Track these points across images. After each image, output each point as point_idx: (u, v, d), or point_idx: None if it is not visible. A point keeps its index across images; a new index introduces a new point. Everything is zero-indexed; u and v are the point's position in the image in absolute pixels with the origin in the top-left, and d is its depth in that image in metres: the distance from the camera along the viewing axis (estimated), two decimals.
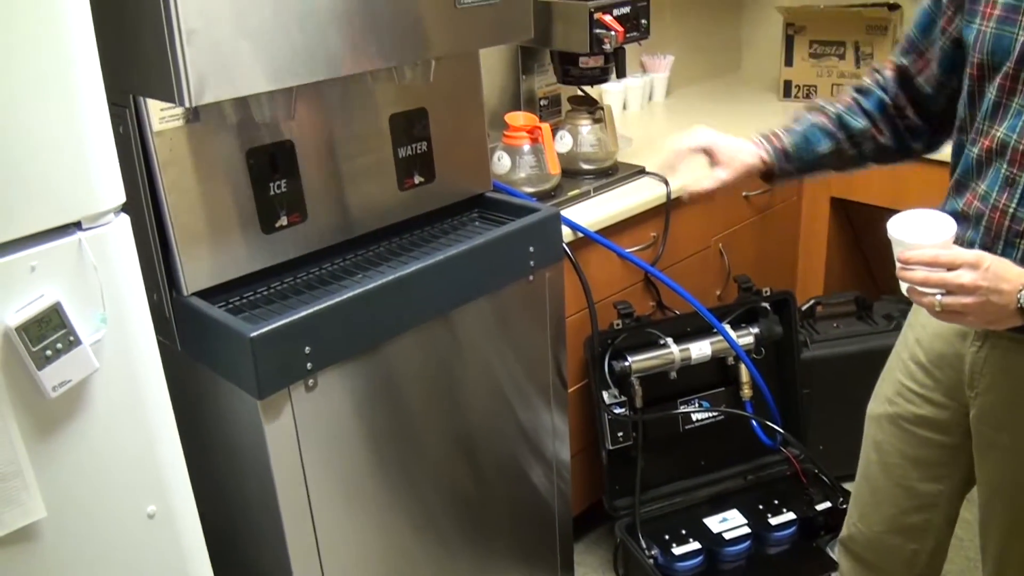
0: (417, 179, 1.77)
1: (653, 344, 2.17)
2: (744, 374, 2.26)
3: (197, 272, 1.48)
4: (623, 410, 2.11)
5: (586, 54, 2.06)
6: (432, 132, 1.76)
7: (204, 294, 1.49)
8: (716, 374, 2.29)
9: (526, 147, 2.05)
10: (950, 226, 1.23)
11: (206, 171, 1.46)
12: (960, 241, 1.28)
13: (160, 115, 1.39)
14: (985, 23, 1.26)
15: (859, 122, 1.50)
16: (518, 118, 2.07)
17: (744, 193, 2.52)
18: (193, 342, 1.49)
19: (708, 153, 1.58)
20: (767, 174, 1.57)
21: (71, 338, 1.14)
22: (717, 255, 2.51)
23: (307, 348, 1.39)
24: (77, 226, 1.13)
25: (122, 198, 1.17)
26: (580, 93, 2.28)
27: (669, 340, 2.16)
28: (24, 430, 1.14)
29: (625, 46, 2.07)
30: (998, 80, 1.25)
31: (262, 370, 1.35)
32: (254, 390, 1.36)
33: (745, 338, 2.23)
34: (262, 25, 1.28)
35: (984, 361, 1.36)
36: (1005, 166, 1.26)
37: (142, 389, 1.24)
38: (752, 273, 2.45)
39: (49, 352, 1.12)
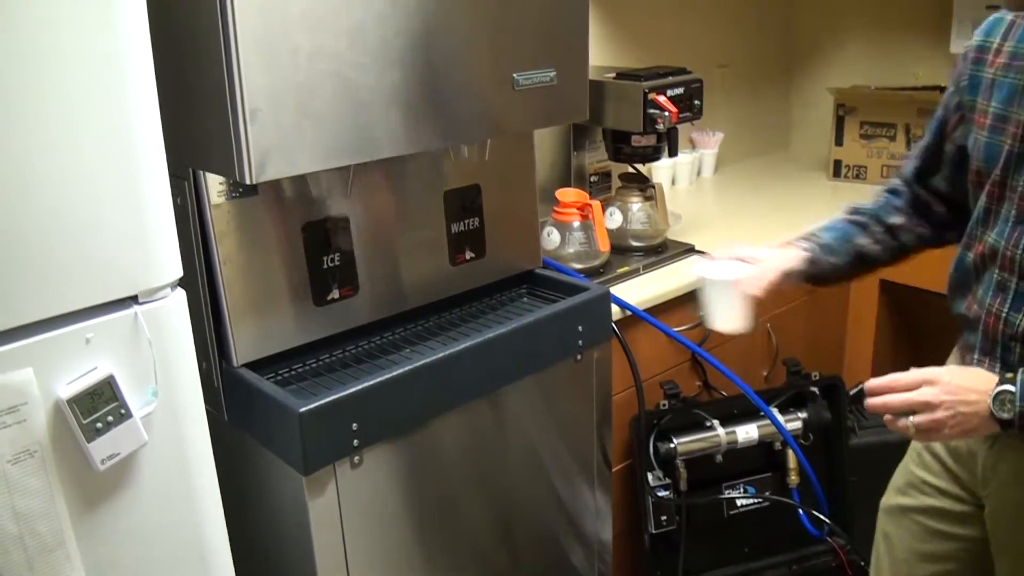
0: (468, 254, 1.77)
1: (699, 426, 2.13)
2: (791, 460, 2.21)
3: (248, 343, 1.48)
4: (667, 493, 2.06)
5: (639, 133, 2.06)
6: (485, 208, 1.76)
7: (253, 365, 1.49)
8: (762, 459, 2.24)
9: (576, 223, 2.05)
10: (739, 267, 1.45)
11: (261, 244, 1.47)
12: (965, 344, 1.35)
13: (218, 188, 1.41)
14: (980, 132, 1.29)
15: (895, 217, 1.51)
16: (569, 194, 2.08)
17: None
18: (240, 413, 1.48)
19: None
20: (813, 275, 1.52)
21: (122, 411, 1.14)
22: (765, 336, 2.47)
23: (354, 425, 1.38)
24: (134, 299, 1.14)
25: (179, 273, 1.17)
26: (631, 170, 2.28)
27: (716, 422, 2.12)
28: (70, 501, 1.13)
29: (678, 126, 2.07)
30: (987, 187, 1.28)
31: (309, 446, 1.34)
32: (300, 466, 1.35)
33: (793, 423, 2.19)
34: (324, 106, 1.29)
35: (996, 461, 1.34)
36: (997, 271, 1.28)
37: (190, 464, 1.23)
38: (800, 355, 2.41)
39: (99, 425, 1.12)
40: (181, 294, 1.19)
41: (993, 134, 1.27)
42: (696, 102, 2.11)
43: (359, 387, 1.38)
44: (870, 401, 1.24)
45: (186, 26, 1.26)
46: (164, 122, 1.13)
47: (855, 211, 1.55)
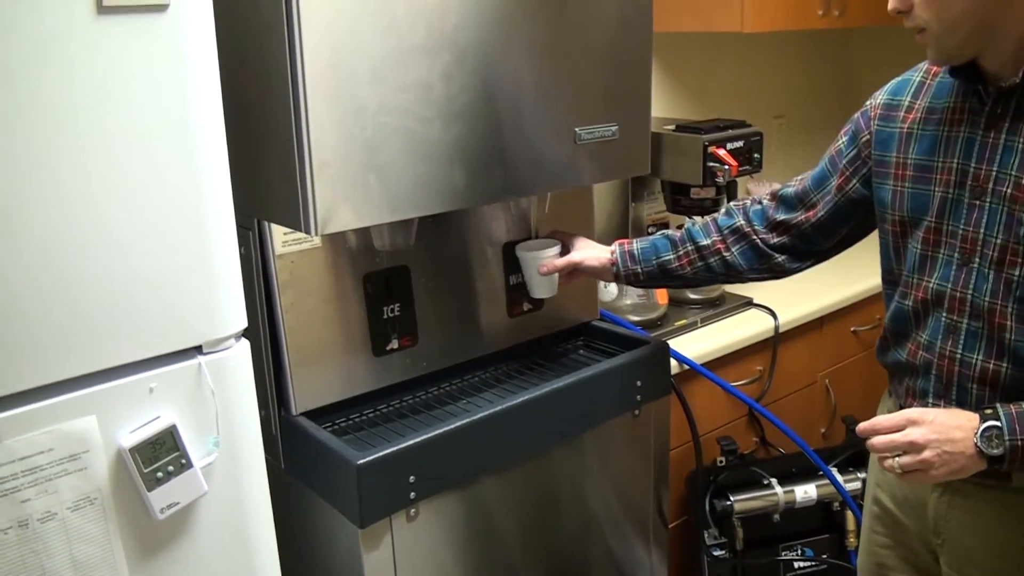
0: (526, 306, 1.76)
1: (756, 484, 2.09)
2: (850, 522, 2.15)
3: (307, 392, 1.48)
4: (723, 552, 2.02)
5: (698, 185, 2.05)
6: None
7: (312, 414, 1.49)
8: (820, 519, 2.18)
9: None
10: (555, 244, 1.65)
11: (323, 294, 1.48)
12: (912, 391, 1.37)
13: (283, 238, 1.42)
14: (899, 183, 1.34)
15: (706, 238, 1.58)
16: None
17: (852, 328, 2.45)
18: (297, 462, 1.48)
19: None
20: (622, 276, 1.64)
21: (183, 461, 1.14)
22: (823, 391, 2.43)
23: (412, 477, 1.38)
24: (198, 350, 1.15)
25: (244, 324, 1.18)
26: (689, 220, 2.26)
27: (773, 481, 2.08)
28: (128, 549, 1.13)
29: (737, 179, 2.06)
30: (920, 234, 1.32)
31: (366, 498, 1.33)
32: (356, 518, 1.34)
33: (852, 483, 2.13)
34: (389, 159, 1.30)
35: (947, 509, 1.34)
36: (945, 314, 1.30)
37: (248, 514, 1.23)
38: (859, 412, 2.36)
39: (160, 474, 1.13)
40: (245, 345, 1.19)
41: (918, 183, 1.32)
42: (756, 155, 2.09)
43: (417, 439, 1.38)
44: (873, 443, 1.23)
45: (257, 81, 1.29)
46: (231, 173, 1.15)
47: (680, 227, 1.65)
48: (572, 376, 1.58)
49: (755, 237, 1.54)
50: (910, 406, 1.38)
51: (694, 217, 2.22)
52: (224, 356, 1.17)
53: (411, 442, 1.37)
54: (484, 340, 1.71)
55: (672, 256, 1.60)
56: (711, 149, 1.99)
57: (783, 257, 1.54)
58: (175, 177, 1.07)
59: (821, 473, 2.10)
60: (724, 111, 2.56)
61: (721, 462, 2.06)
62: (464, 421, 1.43)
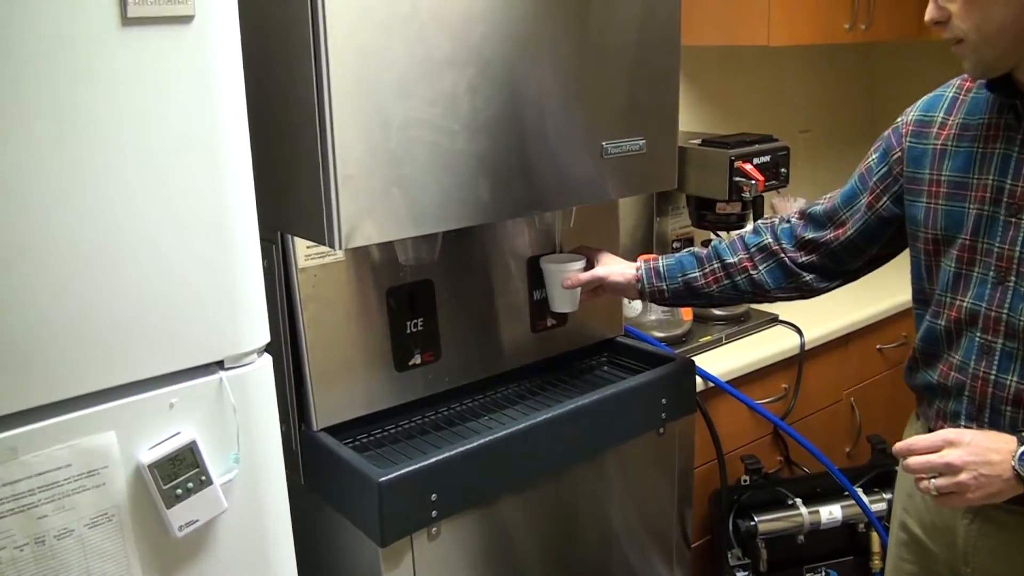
0: (550, 322, 1.74)
1: (781, 504, 2.05)
2: (875, 543, 2.11)
3: (328, 407, 1.46)
4: (747, 573, 1.98)
5: (724, 200, 2.03)
6: None
7: (333, 429, 1.47)
8: (845, 541, 2.14)
9: None
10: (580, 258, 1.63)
11: (346, 308, 1.46)
12: (943, 413, 1.34)
13: (306, 252, 1.41)
14: (933, 201, 1.31)
15: (733, 255, 1.55)
16: None
17: (878, 346, 2.41)
18: (318, 478, 1.46)
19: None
20: (647, 294, 1.60)
21: (203, 478, 1.12)
22: (848, 410, 2.39)
23: (434, 496, 1.35)
24: (219, 365, 1.13)
25: (266, 338, 1.17)
26: (713, 237, 2.24)
27: (798, 501, 2.04)
28: (145, 567, 1.12)
29: (763, 193, 2.03)
30: (954, 252, 1.29)
31: (388, 516, 1.31)
32: (377, 536, 1.32)
33: (878, 504, 2.09)
34: (414, 172, 1.29)
35: (977, 537, 1.31)
36: (979, 334, 1.27)
37: (267, 532, 1.21)
38: (884, 431, 2.32)
39: (179, 491, 1.11)
40: (267, 360, 1.18)
41: (952, 201, 1.29)
42: (783, 170, 2.07)
43: (440, 457, 1.35)
44: (909, 463, 1.20)
45: (282, 92, 1.27)
46: (255, 186, 1.14)
47: (710, 242, 1.61)
48: (596, 393, 1.56)
49: (783, 255, 1.51)
50: (941, 428, 1.35)
51: (720, 234, 2.21)
52: (246, 372, 1.15)
53: (434, 460, 1.35)
54: (507, 356, 1.69)
55: (698, 273, 1.57)
56: (737, 164, 1.96)
57: (811, 276, 1.51)
58: (199, 190, 1.06)
59: (846, 493, 2.06)
60: (748, 125, 2.53)
61: (745, 481, 2.03)
62: (487, 439, 1.41)
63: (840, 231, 1.46)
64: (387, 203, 1.27)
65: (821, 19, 2.32)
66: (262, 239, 1.21)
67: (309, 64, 1.20)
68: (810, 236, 1.49)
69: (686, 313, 2.03)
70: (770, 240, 1.53)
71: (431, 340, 1.56)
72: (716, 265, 1.56)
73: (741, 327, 2.14)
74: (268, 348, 1.19)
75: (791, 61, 2.89)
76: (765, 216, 2.13)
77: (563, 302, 1.65)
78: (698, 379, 1.88)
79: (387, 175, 1.26)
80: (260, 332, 1.15)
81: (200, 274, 1.08)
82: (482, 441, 1.40)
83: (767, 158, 2.02)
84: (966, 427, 1.29)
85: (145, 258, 1.03)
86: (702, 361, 1.96)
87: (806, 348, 2.13)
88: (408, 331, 1.53)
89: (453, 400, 1.64)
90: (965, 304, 1.28)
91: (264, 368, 1.17)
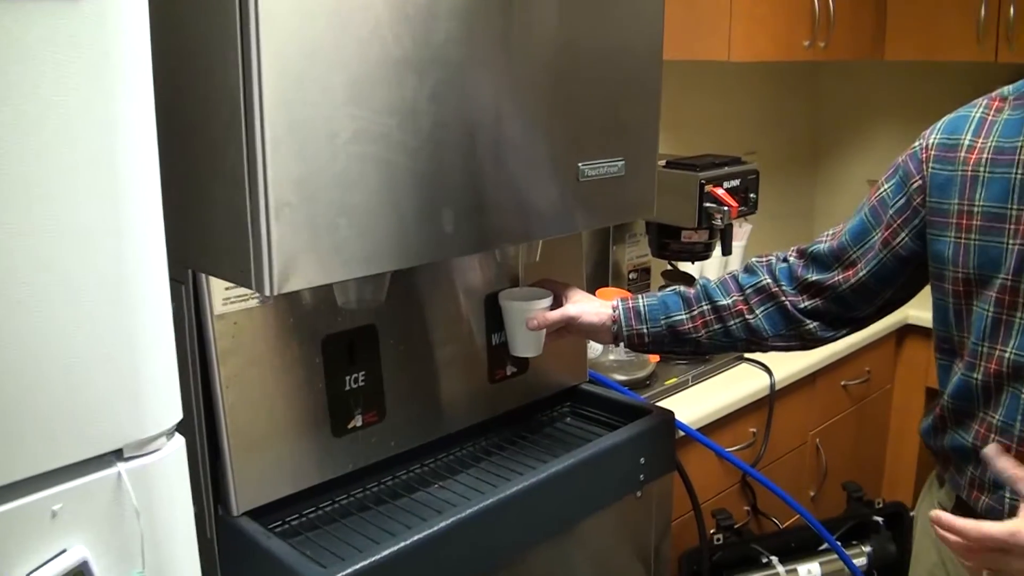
0: (509, 370, 1.50)
1: (755, 562, 1.86)
2: None
3: (251, 486, 1.20)
4: None
5: (691, 228, 1.83)
6: None
7: (257, 512, 1.20)
8: None
9: None
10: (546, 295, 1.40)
11: (272, 362, 1.20)
12: (978, 482, 1.17)
13: (223, 294, 1.14)
14: (963, 235, 1.14)
15: (725, 297, 1.35)
16: (610, 295, 1.82)
17: (843, 383, 2.26)
18: (239, 574, 1.19)
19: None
20: (625, 337, 1.39)
21: None
22: (813, 452, 2.22)
23: None
24: (116, 455, 0.85)
25: (177, 416, 0.90)
26: (670, 267, 2.04)
27: (774, 559, 1.85)
28: None
29: (733, 221, 1.84)
30: (992, 294, 1.12)
31: None
32: None
33: (859, 558, 1.92)
34: (366, 199, 1.04)
35: None
36: None
37: None
38: (850, 472, 2.17)
39: None
40: (179, 444, 0.91)
41: (988, 235, 1.12)
42: (751, 195, 1.89)
43: (394, 548, 1.10)
44: (948, 538, 1.01)
45: (200, 97, 1.01)
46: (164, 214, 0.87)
47: (695, 283, 1.41)
48: (569, 458, 1.32)
49: (783, 299, 1.31)
50: (976, 500, 1.17)
51: (680, 265, 2.02)
52: (151, 461, 0.87)
53: (387, 552, 1.09)
54: (462, 411, 1.44)
55: (684, 316, 1.36)
56: (708, 188, 1.77)
57: (814, 324, 1.31)
58: (88, 224, 0.78)
59: (823, 548, 1.88)
60: (696, 146, 2.36)
61: (718, 540, 1.83)
62: (449, 521, 1.16)
63: (850, 272, 1.27)
64: (333, 237, 1.02)
65: (782, 36, 2.17)
66: (171, 279, 0.94)
67: (235, 61, 0.94)
68: (814, 278, 1.29)
69: (651, 355, 1.82)
70: (768, 281, 1.33)
71: (374, 397, 1.31)
72: (706, 307, 1.35)
73: (708, 366, 1.95)
74: (180, 422, 0.92)
75: (735, 79, 2.73)
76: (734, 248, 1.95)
77: (526, 345, 1.42)
78: None
79: (333, 202, 1.01)
80: (169, 409, 0.88)
81: (88, 336, 0.80)
82: (444, 525, 1.15)
83: (737, 182, 1.84)
84: (1010, 501, 1.11)
85: (8, 320, 0.75)
86: (669, 406, 1.75)
87: (776, 388, 1.95)
88: (348, 387, 1.28)
89: (399, 467, 1.38)
90: (1008, 355, 1.11)
91: (175, 454, 0.90)
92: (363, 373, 1.29)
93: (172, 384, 0.89)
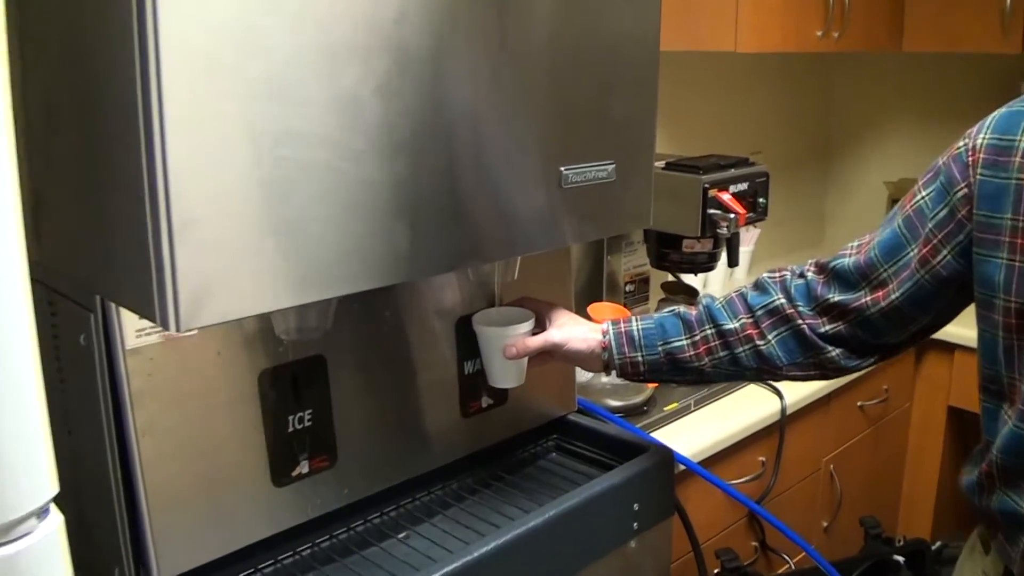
0: (485, 402, 1.32)
1: None
2: None
3: (175, 549, 1.02)
4: None
5: (694, 237, 1.65)
6: None
7: None
8: None
9: None
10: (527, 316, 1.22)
11: (197, 404, 1.02)
12: None
13: (138, 325, 0.96)
14: (1018, 257, 0.96)
15: (732, 320, 1.17)
16: (604, 311, 1.65)
17: (859, 403, 2.08)
18: None
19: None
20: (617, 366, 1.21)
21: None
22: (827, 480, 2.04)
23: None
24: None
25: (50, 491, 0.71)
26: (672, 279, 1.86)
27: None
28: None
29: (741, 230, 1.66)
30: None
31: None
32: None
33: None
34: (299, 213, 0.86)
35: None
36: None
37: None
38: (865, 504, 1.99)
39: None
40: (54, 523, 0.72)
41: None
42: (761, 200, 1.70)
43: None
44: None
45: (95, 87, 0.83)
46: (70, 229, 0.69)
47: (697, 302, 1.23)
48: (551, 508, 1.14)
49: (800, 321, 1.13)
50: None
51: (684, 277, 1.84)
52: (18, 549, 0.70)
53: None
54: (429, 451, 1.26)
55: (685, 341, 1.18)
56: (713, 193, 1.59)
57: (836, 351, 1.13)
58: None
59: None
60: (697, 146, 2.17)
61: None
62: None
63: (880, 294, 1.08)
64: (256, 260, 0.84)
65: (793, 25, 1.98)
66: (77, 305, 0.77)
67: (131, 44, 0.76)
68: (836, 299, 1.11)
69: None
70: (781, 300, 1.14)
71: (323, 439, 1.13)
72: (710, 331, 1.17)
73: (711, 389, 1.76)
74: (60, 498, 0.74)
75: (741, 73, 2.55)
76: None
77: (505, 375, 1.24)
78: None
79: (255, 218, 0.83)
80: (38, 483, 0.70)
81: None
82: None
83: (745, 185, 1.65)
84: None
85: None
86: (668, 436, 1.57)
87: (787, 412, 1.77)
88: (291, 428, 1.10)
89: (355, 517, 1.20)
90: None
91: (50, 537, 0.72)
92: (309, 412, 1.11)
93: (39, 451, 0.70)
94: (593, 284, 1.86)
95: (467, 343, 1.28)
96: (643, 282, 1.90)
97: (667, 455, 1.32)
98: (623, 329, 1.20)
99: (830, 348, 1.13)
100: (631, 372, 1.21)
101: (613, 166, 1.16)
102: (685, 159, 1.70)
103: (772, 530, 1.81)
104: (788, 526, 1.73)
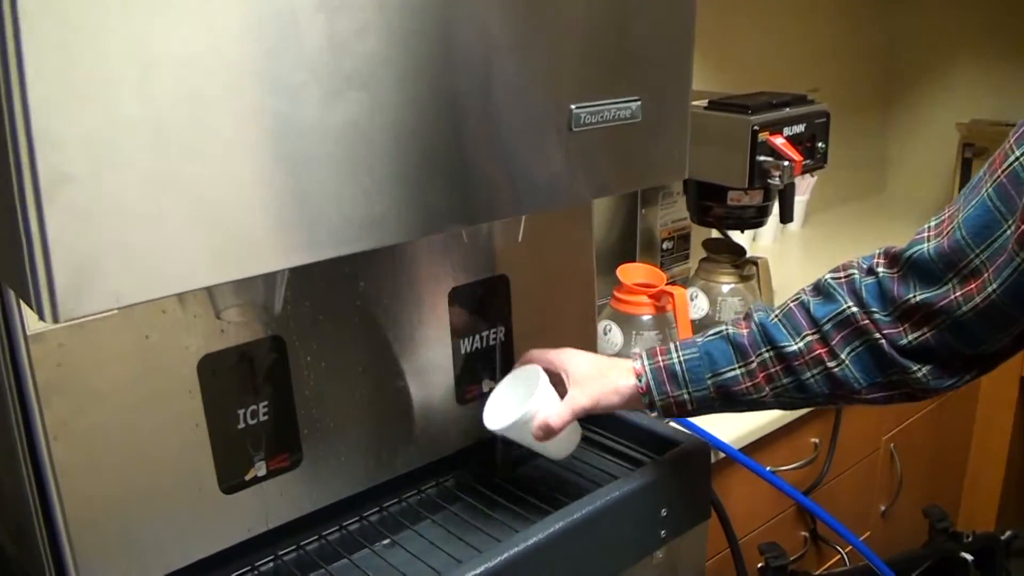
0: (486, 385, 1.13)
1: None
2: None
3: (102, 570, 0.84)
4: None
5: (741, 188, 1.42)
6: (515, 313, 1.13)
7: None
8: None
9: (646, 317, 1.41)
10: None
11: (122, 398, 0.84)
12: None
13: None
14: None
15: (795, 339, 0.93)
16: (636, 272, 1.44)
17: None
18: None
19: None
20: (659, 408, 0.99)
21: None
22: (887, 460, 1.82)
23: None
24: None
25: None
26: (718, 235, 1.64)
27: None
28: None
29: (796, 179, 1.43)
30: None
31: None
32: None
33: None
34: (214, 169, 0.66)
35: None
36: None
37: None
38: (926, 488, 1.78)
39: None
40: None
41: None
42: (820, 144, 1.47)
43: None
44: None
45: None
46: None
47: (746, 318, 0.98)
48: (556, 522, 0.94)
49: (876, 335, 0.89)
50: None
51: (731, 234, 1.61)
52: None
53: None
54: (417, 445, 1.07)
55: (739, 371, 0.95)
56: (764, 136, 1.36)
57: (924, 370, 0.89)
58: None
59: None
60: (749, 84, 1.93)
61: None
62: None
63: (972, 286, 0.84)
64: (157, 228, 0.65)
65: None
66: None
67: None
68: (919, 299, 0.86)
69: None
70: (852, 308, 0.90)
71: (284, 435, 0.95)
72: (767, 355, 0.94)
73: None
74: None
75: (793, 5, 2.28)
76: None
77: (558, 450, 1.05)
78: None
79: (153, 173, 0.64)
80: None
81: None
82: None
83: (801, 127, 1.42)
84: None
85: None
86: (707, 418, 1.36)
87: None
88: (242, 424, 0.91)
89: (329, 524, 1.02)
90: None
91: None
92: (265, 404, 0.92)
93: None
94: (626, 241, 1.64)
95: (467, 317, 1.08)
96: (683, 239, 1.68)
97: (702, 448, 1.11)
98: (661, 364, 0.98)
99: (915, 366, 0.89)
100: (678, 412, 1.00)
101: (638, 103, 0.94)
102: (731, 97, 1.46)
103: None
104: (843, 510, 1.54)
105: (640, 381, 0.98)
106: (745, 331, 0.95)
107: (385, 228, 0.77)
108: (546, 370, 1.02)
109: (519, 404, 1.00)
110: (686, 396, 0.96)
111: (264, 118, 0.67)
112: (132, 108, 0.62)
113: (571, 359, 1.02)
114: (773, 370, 0.93)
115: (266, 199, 0.69)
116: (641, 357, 0.99)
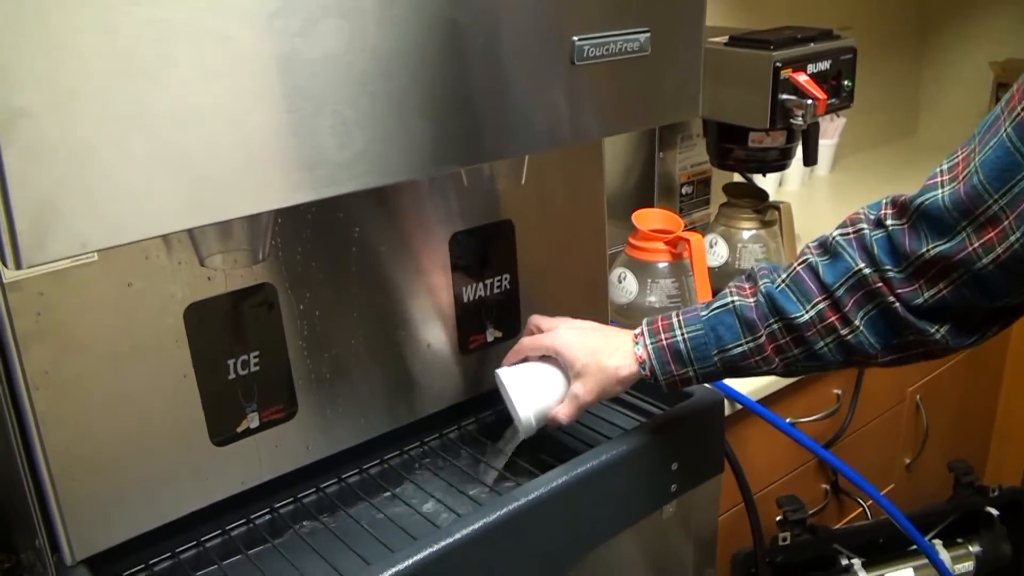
0: (491, 334, 1.09)
1: (832, 564, 1.45)
2: None
3: (91, 525, 0.83)
4: None
5: (762, 129, 1.36)
6: (520, 259, 1.08)
7: (108, 556, 0.84)
8: None
9: (663, 265, 1.36)
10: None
11: (106, 348, 0.81)
12: None
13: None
14: None
15: (805, 306, 0.86)
16: (652, 218, 1.39)
17: None
18: None
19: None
20: (655, 383, 0.94)
21: None
22: (912, 411, 1.77)
23: None
24: None
25: None
26: (739, 179, 1.58)
27: (856, 562, 1.44)
28: None
29: (820, 119, 1.37)
30: None
31: None
32: None
33: (964, 561, 1.49)
34: (183, 103, 0.62)
35: None
36: None
37: None
38: (952, 441, 1.73)
39: None
40: None
41: None
42: (847, 82, 1.40)
43: None
44: None
45: None
46: None
47: (751, 282, 0.91)
48: (560, 475, 0.91)
49: (891, 297, 0.82)
50: None
51: (753, 177, 1.55)
52: None
53: None
54: (419, 395, 1.04)
55: (747, 346, 0.89)
56: (787, 73, 1.29)
57: (942, 330, 0.82)
58: None
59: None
60: (773, 19, 1.85)
61: (784, 540, 1.41)
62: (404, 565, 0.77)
63: (992, 235, 0.76)
64: (123, 168, 0.61)
65: None
66: None
67: None
68: (934, 252, 0.80)
69: (704, 295, 1.37)
70: (863, 268, 0.83)
71: (277, 385, 0.92)
72: (776, 326, 0.88)
73: None
74: None
75: None
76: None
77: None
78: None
79: (115, 108, 0.60)
80: None
81: None
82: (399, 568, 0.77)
83: (827, 64, 1.35)
84: None
85: None
86: None
87: None
88: (232, 375, 0.88)
89: (327, 475, 0.99)
90: None
91: None
92: (256, 353, 0.89)
93: None
94: (644, 185, 1.59)
95: (469, 263, 1.04)
96: (703, 183, 1.62)
97: (715, 399, 1.07)
98: (664, 343, 0.92)
99: (932, 328, 0.83)
100: (682, 386, 0.95)
101: (647, 35, 0.89)
102: (751, 32, 1.40)
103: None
104: (866, 463, 1.50)
105: (644, 368, 0.93)
106: (752, 301, 0.89)
107: (371, 168, 0.73)
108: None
109: (539, 379, 0.97)
110: (691, 373, 0.92)
111: (234, 47, 0.63)
112: (92, 38, 0.58)
113: (566, 345, 0.97)
114: (783, 341, 0.87)
115: (239, 137, 0.64)
116: (643, 337, 0.94)
